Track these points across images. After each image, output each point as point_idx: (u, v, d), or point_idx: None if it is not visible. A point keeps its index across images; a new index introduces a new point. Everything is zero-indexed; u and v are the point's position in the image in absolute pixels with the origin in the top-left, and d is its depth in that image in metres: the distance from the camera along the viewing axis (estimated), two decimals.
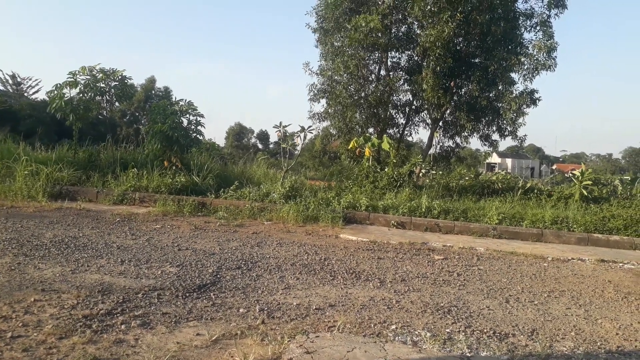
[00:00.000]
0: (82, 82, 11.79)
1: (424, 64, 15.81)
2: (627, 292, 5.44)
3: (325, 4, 17.46)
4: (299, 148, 12.76)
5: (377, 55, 17.45)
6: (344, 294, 4.67)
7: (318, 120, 19.14)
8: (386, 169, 12.21)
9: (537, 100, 15.65)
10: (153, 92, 55.18)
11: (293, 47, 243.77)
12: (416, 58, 17.21)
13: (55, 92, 11.67)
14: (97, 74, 12.00)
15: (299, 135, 11.85)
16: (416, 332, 3.73)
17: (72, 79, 11.70)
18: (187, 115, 11.78)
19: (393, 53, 17.90)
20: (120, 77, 12.30)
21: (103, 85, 12.12)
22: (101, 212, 8.63)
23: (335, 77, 17.72)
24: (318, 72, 18.73)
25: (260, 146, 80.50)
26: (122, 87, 12.43)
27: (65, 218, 7.80)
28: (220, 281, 4.80)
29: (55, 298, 3.97)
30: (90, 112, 12.15)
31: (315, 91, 18.35)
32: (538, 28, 16.07)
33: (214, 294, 4.37)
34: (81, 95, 11.87)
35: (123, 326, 3.47)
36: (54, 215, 7.97)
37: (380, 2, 16.59)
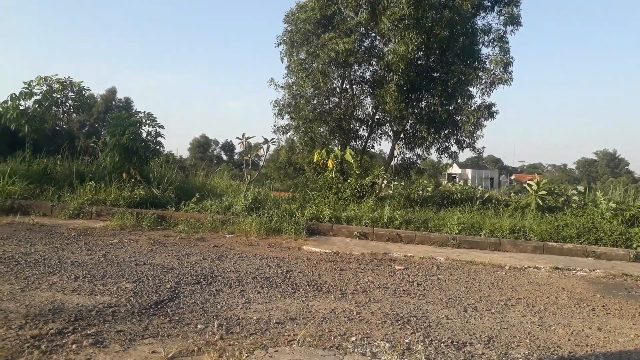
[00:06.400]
0: (38, 92, 11.46)
1: (387, 77, 16.08)
2: (579, 299, 5.63)
3: (296, 18, 17.63)
4: (262, 159, 12.73)
5: (341, 70, 17.62)
6: (305, 306, 4.65)
7: (282, 133, 19.18)
8: (349, 181, 12.31)
9: (495, 113, 16.15)
10: (113, 102, 54.22)
11: (259, 60, 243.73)
12: (379, 72, 17.48)
13: (10, 102, 11.27)
14: (54, 85, 11.68)
15: (262, 147, 11.82)
16: (376, 343, 3.75)
17: (27, 90, 11.35)
18: (147, 127, 11.56)
19: (357, 67, 18.15)
20: (77, 87, 12.01)
21: (59, 96, 11.80)
22: (56, 226, 8.32)
23: (299, 92, 17.79)
24: (283, 86, 18.78)
25: (224, 157, 79.82)
26: (80, 98, 12.13)
27: (17, 233, 7.49)
28: (179, 297, 4.70)
29: (1, 318, 3.78)
30: (46, 123, 11.78)
31: (280, 106, 18.39)
32: (495, 44, 16.62)
33: (171, 310, 4.27)
34: (37, 106, 11.51)
35: (74, 346, 3.35)
36: (4, 231, 7.63)
37: (349, 19, 16.79)
